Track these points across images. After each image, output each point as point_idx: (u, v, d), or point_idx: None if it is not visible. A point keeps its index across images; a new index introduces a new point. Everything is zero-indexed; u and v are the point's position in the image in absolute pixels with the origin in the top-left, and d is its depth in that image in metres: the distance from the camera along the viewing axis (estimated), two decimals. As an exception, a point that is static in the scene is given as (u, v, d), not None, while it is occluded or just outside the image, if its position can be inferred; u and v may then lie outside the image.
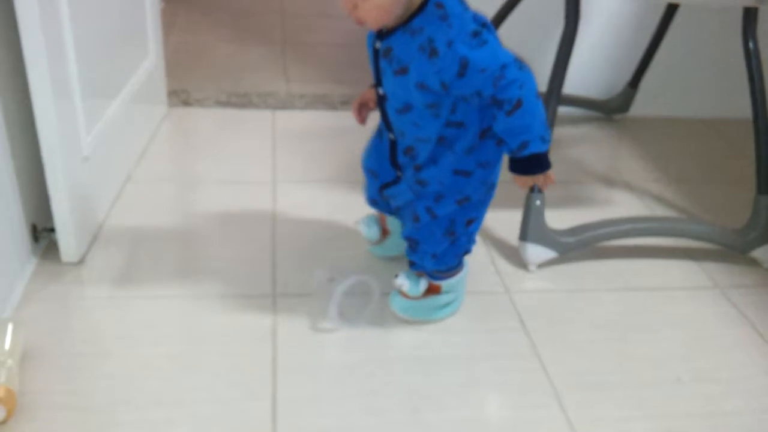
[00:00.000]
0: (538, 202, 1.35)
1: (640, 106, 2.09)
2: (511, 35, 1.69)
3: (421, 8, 1.00)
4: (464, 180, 1.11)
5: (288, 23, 2.70)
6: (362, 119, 1.22)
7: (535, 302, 1.32)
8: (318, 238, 1.43)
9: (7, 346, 1.03)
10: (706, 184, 1.80)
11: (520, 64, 0.99)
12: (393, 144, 1.16)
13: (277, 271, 1.32)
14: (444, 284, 1.22)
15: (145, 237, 1.40)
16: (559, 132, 1.74)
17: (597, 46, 2.05)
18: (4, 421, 0.96)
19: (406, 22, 1.01)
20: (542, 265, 1.40)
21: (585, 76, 2.07)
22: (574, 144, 1.96)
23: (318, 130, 1.88)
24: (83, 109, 1.28)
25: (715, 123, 2.14)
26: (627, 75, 2.05)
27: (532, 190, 1.34)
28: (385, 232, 1.36)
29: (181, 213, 1.49)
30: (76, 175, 1.26)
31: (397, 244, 1.33)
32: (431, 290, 1.22)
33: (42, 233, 1.30)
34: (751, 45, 1.42)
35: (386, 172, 1.21)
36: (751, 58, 1.42)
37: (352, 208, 1.43)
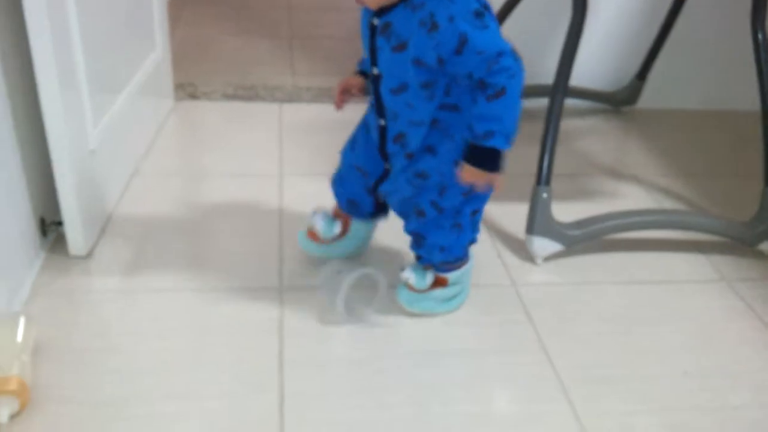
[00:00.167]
0: (544, 195, 1.35)
1: (647, 98, 2.09)
2: (518, 27, 1.69)
3: None
4: None
5: (294, 17, 2.70)
6: (342, 103, 1.20)
7: (541, 295, 1.31)
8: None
9: (19, 339, 1.04)
10: (713, 177, 1.80)
11: (515, 55, 1.00)
12: (383, 131, 1.14)
13: (284, 264, 1.33)
14: (451, 276, 1.22)
15: (152, 230, 1.40)
16: (567, 124, 1.74)
17: (604, 38, 2.04)
18: (17, 414, 0.97)
19: None
20: (549, 258, 1.40)
21: (592, 67, 2.06)
22: (581, 136, 1.95)
23: (324, 123, 1.87)
24: (90, 102, 1.28)
25: (723, 115, 2.13)
26: (635, 67, 2.04)
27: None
28: (343, 232, 1.31)
29: (188, 206, 1.50)
30: (83, 168, 1.27)
31: (355, 246, 1.33)
32: (438, 283, 1.22)
33: (50, 227, 1.30)
34: (760, 36, 1.41)
35: (376, 167, 1.20)
36: (760, 49, 1.41)
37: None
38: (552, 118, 1.35)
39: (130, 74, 1.55)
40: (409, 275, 1.21)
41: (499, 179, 1.07)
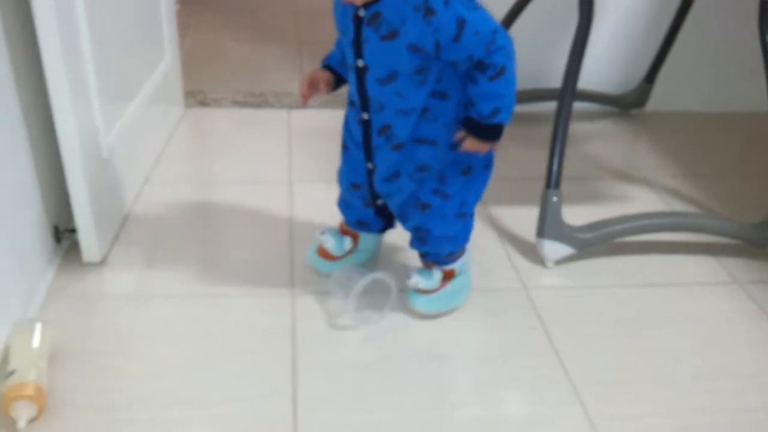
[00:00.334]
0: (554, 198, 1.35)
1: (656, 101, 2.08)
2: (525, 30, 1.69)
3: None
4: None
5: (302, 23, 2.71)
6: (308, 98, 1.19)
7: (552, 298, 1.32)
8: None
9: (36, 345, 1.05)
10: (723, 179, 1.79)
11: (506, 32, 1.02)
12: (366, 126, 1.14)
13: (295, 270, 1.33)
14: (456, 266, 1.24)
15: (164, 237, 1.41)
16: (575, 128, 1.74)
17: (612, 41, 2.04)
18: (34, 419, 0.98)
19: None
20: (559, 262, 1.40)
21: (600, 70, 2.06)
22: (590, 139, 1.95)
23: (333, 129, 1.86)
24: (102, 111, 1.29)
25: (732, 117, 2.12)
26: (643, 69, 2.04)
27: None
28: (353, 246, 1.33)
29: (199, 213, 1.51)
30: (96, 176, 1.28)
31: (365, 258, 1.35)
32: (447, 276, 1.24)
33: (64, 234, 1.31)
34: (767, 39, 1.41)
35: (363, 176, 1.21)
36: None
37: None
38: (561, 122, 1.35)
39: (141, 82, 1.56)
40: (417, 279, 1.21)
41: (497, 146, 1.11)
